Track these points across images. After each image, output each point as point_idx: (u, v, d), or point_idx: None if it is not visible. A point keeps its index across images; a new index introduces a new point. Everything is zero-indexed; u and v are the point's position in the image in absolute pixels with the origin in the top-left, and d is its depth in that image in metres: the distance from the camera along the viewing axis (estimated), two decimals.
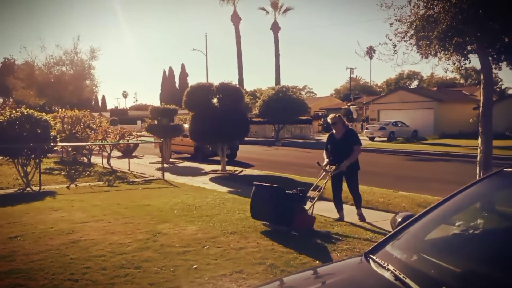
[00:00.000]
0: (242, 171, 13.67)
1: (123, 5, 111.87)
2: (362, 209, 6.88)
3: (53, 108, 30.45)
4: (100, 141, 15.21)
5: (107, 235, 5.63)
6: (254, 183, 6.35)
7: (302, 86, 76.80)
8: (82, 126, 15.75)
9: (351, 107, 42.68)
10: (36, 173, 10.43)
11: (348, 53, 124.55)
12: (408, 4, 7.50)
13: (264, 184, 6.32)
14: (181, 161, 17.43)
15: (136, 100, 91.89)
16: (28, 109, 10.70)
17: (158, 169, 13.55)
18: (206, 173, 13.17)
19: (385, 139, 29.13)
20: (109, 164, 14.51)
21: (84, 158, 15.74)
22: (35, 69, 31.57)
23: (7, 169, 13.13)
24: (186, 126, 18.30)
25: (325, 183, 6.49)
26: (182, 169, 14.82)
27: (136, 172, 13.34)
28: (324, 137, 34.48)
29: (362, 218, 6.73)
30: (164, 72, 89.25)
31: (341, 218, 6.75)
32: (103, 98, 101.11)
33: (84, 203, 8.04)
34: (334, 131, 6.85)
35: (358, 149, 6.63)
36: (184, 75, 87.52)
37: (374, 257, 2.11)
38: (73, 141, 14.56)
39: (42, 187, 10.09)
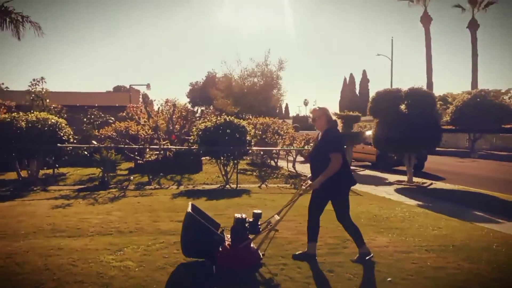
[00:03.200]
0: (431, 183, 12.58)
1: (304, 16, 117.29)
2: None
3: (244, 116, 33.91)
4: (287, 146, 16.19)
5: (299, 235, 5.88)
6: (190, 202, 4.84)
7: (505, 89, 65.93)
8: (271, 132, 17.04)
9: None
10: (234, 172, 11.75)
11: None
12: None
13: (194, 205, 4.79)
14: (362, 169, 17.11)
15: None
16: (229, 117, 12.15)
17: None
18: (390, 183, 12.60)
19: None
20: (294, 168, 15.27)
21: (272, 161, 17.00)
22: (232, 80, 35.73)
23: (210, 167, 15.17)
24: (368, 133, 17.91)
25: (291, 205, 4.93)
26: (363, 177, 14.52)
27: None
28: None
29: (361, 257, 4.80)
30: (345, 79, 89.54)
31: (308, 254, 4.89)
32: (286, 106, 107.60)
33: (274, 202, 8.61)
34: (318, 132, 5.03)
35: (336, 159, 4.56)
36: (365, 81, 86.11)
37: None
38: (263, 145, 15.86)
39: (238, 185, 11.30)
